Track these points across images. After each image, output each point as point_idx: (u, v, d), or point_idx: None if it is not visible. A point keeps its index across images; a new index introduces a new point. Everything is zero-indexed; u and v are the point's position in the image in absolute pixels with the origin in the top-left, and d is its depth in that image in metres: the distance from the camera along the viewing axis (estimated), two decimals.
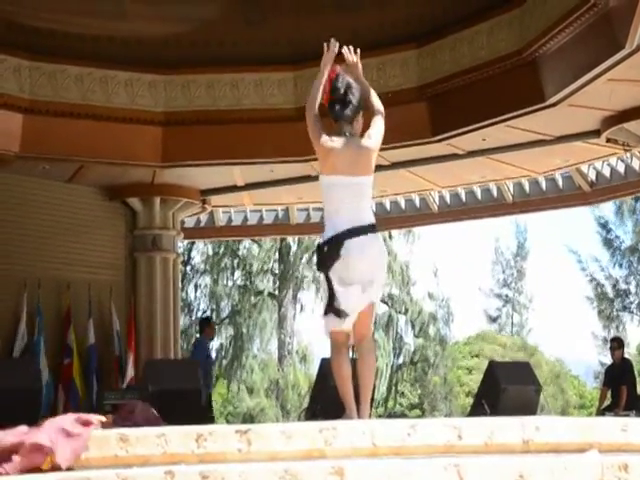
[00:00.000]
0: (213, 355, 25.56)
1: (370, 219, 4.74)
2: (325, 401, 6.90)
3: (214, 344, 25.81)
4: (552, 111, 9.60)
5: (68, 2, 10.52)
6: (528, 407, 7.24)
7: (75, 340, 11.33)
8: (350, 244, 4.61)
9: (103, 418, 4.33)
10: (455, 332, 28.84)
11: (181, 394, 6.80)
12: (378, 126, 4.82)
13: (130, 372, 11.59)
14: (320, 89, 4.78)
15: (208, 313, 25.96)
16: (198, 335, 12.23)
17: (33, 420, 4.55)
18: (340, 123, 4.71)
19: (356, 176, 4.68)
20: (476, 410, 7.47)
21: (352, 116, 4.72)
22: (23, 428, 3.76)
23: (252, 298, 25.19)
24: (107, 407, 8.61)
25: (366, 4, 10.77)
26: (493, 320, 31.96)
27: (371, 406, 4.89)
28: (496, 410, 7.11)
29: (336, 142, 4.68)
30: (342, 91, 4.73)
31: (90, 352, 11.41)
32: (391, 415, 26.13)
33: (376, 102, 4.89)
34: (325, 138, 4.68)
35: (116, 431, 3.73)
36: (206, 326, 11.65)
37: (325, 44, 4.91)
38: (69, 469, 3.48)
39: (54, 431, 3.54)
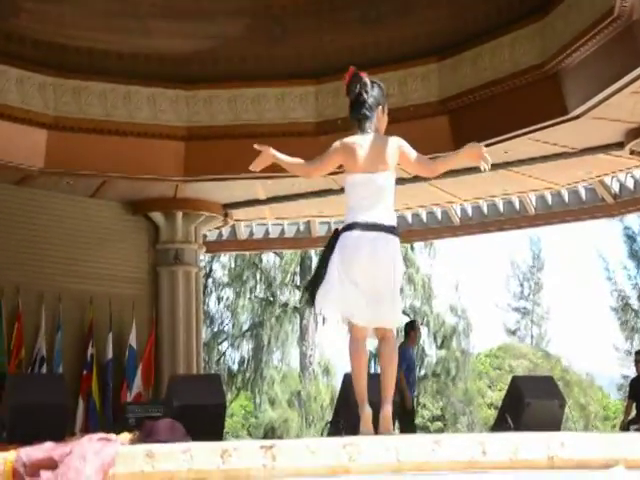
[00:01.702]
0: (235, 368, 25.64)
1: (390, 220, 4.70)
2: (349, 415, 6.90)
3: (235, 357, 25.87)
4: (575, 124, 9.58)
5: (92, 19, 10.64)
6: (552, 422, 7.19)
7: (96, 354, 11.39)
8: (361, 238, 4.59)
9: (129, 435, 4.38)
10: (477, 344, 28.76)
11: (205, 409, 6.82)
12: (413, 157, 4.81)
13: (138, 386, 11.62)
14: (290, 161, 4.89)
15: (230, 326, 26.00)
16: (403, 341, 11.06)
17: (60, 436, 4.59)
18: (360, 122, 4.78)
19: (377, 172, 4.71)
20: (500, 424, 7.44)
21: (370, 114, 4.79)
22: (50, 444, 3.80)
23: (274, 310, 25.21)
24: (131, 421, 8.61)
25: (388, 18, 10.80)
26: (512, 332, 31.88)
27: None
28: (520, 425, 7.07)
29: (356, 140, 4.75)
30: (357, 91, 4.80)
31: (107, 366, 11.45)
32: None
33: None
34: (340, 143, 4.75)
35: (142, 447, 3.77)
36: (411, 331, 10.96)
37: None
38: None
39: (81, 452, 3.58)
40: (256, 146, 4.99)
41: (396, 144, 4.77)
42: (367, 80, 4.84)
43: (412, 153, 4.82)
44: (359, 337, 4.65)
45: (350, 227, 4.66)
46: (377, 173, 4.70)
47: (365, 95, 4.79)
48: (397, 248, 4.70)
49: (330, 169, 4.92)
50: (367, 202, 4.67)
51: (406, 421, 10.27)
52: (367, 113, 4.77)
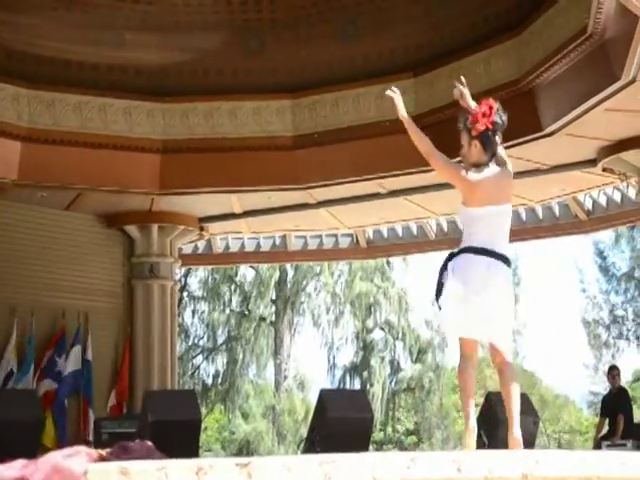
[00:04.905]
0: (209, 381, 25.51)
1: (504, 250, 4.77)
2: (324, 432, 6.90)
3: (210, 370, 25.74)
4: (549, 140, 9.66)
5: (68, 31, 10.61)
6: (526, 438, 7.19)
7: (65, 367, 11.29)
8: (479, 261, 4.68)
9: (102, 452, 4.32)
10: (451, 359, 28.80)
11: (180, 425, 6.79)
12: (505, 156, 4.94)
13: (112, 400, 11.55)
14: (417, 130, 4.92)
15: (205, 339, 25.91)
16: None
17: (32, 453, 4.53)
18: (486, 153, 4.79)
19: (500, 204, 4.78)
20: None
21: (496, 150, 4.84)
22: (22, 462, 3.74)
23: (249, 324, 25.16)
24: (104, 436, 8.52)
25: (364, 33, 10.86)
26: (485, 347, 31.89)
27: None
28: (495, 441, 7.08)
29: (480, 174, 4.77)
30: (501, 127, 4.82)
31: (64, 380, 11.21)
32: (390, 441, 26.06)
33: None
34: (470, 174, 4.77)
35: (117, 464, 3.71)
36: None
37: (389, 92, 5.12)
38: None
39: (48, 469, 3.53)
40: (388, 92, 5.10)
41: (508, 173, 4.88)
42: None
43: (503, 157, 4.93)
44: (466, 354, 4.81)
45: (464, 250, 4.75)
46: (500, 205, 4.77)
47: (501, 133, 4.84)
48: (509, 278, 4.81)
49: (444, 173, 4.88)
50: (485, 231, 4.73)
51: None
52: (496, 150, 4.83)
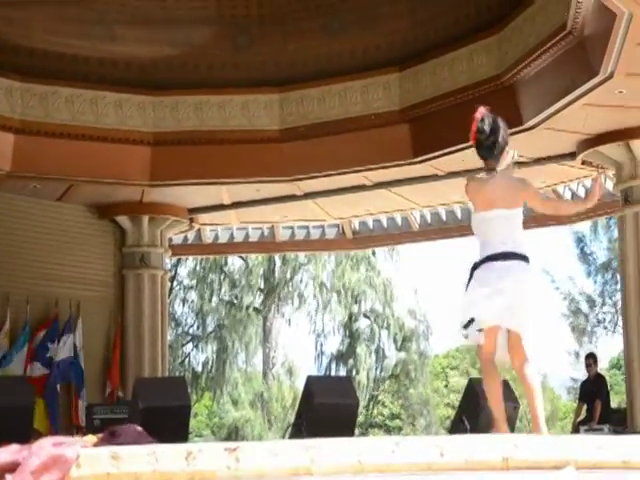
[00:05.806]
0: (199, 369, 25.65)
1: (521, 249, 4.81)
2: (311, 417, 7.09)
3: (200, 358, 25.88)
4: (530, 134, 9.84)
5: (60, 25, 10.72)
6: (507, 424, 7.38)
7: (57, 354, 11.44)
8: (493, 265, 4.75)
9: (94, 439, 4.45)
10: (435, 346, 28.94)
11: (170, 411, 6.94)
12: (538, 199, 5.07)
13: (108, 387, 11.75)
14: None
15: (195, 328, 26.02)
16: None
17: (26, 438, 4.66)
18: (487, 162, 4.86)
19: (508, 209, 4.82)
20: (457, 426, 7.64)
21: (499, 155, 4.84)
22: (15, 447, 3.85)
23: (238, 313, 25.27)
24: (96, 422, 8.68)
25: (351, 29, 11.01)
26: (467, 337, 31.94)
27: None
28: (477, 426, 7.26)
29: (485, 180, 4.86)
30: (488, 133, 4.81)
31: (56, 368, 11.35)
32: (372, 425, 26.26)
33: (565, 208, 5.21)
34: (472, 186, 4.88)
35: (107, 449, 3.77)
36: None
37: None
38: None
39: (43, 454, 3.64)
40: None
41: (520, 188, 4.91)
42: (498, 121, 4.84)
43: (535, 195, 5.05)
44: (483, 358, 4.87)
45: (481, 262, 4.81)
46: (508, 209, 4.80)
47: (497, 135, 4.82)
48: (530, 274, 4.83)
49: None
50: (498, 236, 4.79)
51: None
52: (497, 154, 4.81)
